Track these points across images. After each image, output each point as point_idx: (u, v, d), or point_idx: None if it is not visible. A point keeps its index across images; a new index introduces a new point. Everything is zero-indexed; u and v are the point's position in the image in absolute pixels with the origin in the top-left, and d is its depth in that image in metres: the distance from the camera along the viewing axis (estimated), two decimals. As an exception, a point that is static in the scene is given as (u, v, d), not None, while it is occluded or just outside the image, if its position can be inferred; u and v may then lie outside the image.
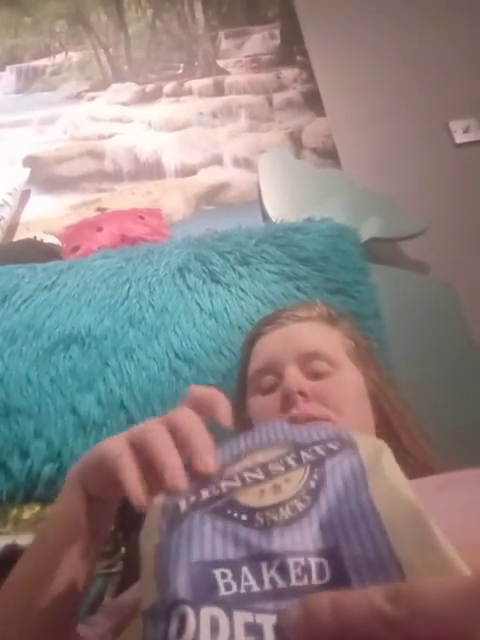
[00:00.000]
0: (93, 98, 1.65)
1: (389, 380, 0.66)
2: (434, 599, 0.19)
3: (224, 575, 0.24)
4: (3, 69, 1.75)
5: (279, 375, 0.58)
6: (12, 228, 1.37)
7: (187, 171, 1.47)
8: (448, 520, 0.37)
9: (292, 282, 0.93)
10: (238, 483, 0.29)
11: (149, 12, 1.78)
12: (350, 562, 0.24)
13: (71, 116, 1.62)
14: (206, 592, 0.23)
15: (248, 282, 0.93)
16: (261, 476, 0.30)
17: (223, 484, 0.29)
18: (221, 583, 0.23)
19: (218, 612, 0.22)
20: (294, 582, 0.23)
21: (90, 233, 1.20)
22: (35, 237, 1.26)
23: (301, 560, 0.24)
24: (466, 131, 1.42)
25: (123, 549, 0.75)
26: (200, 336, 0.87)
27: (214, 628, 0.21)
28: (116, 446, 0.35)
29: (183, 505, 0.28)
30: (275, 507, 0.27)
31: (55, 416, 0.81)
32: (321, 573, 0.24)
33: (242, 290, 0.92)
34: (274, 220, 1.16)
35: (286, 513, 0.27)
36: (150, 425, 0.35)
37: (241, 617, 0.22)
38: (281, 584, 0.23)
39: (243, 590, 0.23)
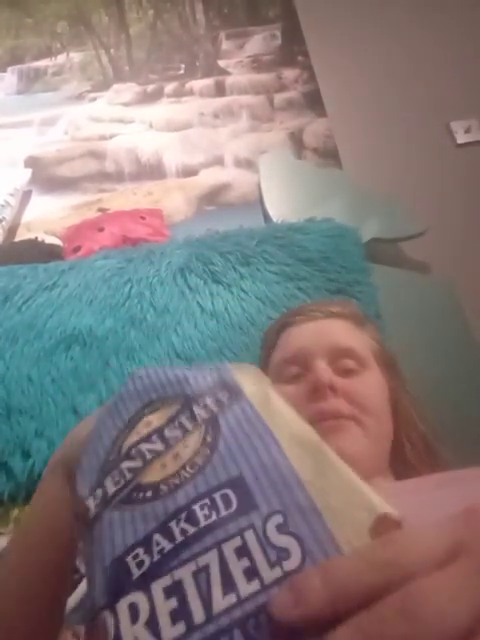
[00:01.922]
0: (94, 99, 1.65)
1: (407, 389, 0.65)
2: (419, 540, 0.21)
3: (136, 556, 0.24)
4: (4, 70, 1.76)
5: (306, 367, 0.58)
6: (13, 229, 1.37)
7: (188, 171, 1.47)
8: (444, 515, 0.37)
9: (293, 282, 0.93)
10: (139, 463, 0.29)
11: (150, 13, 1.78)
12: (254, 485, 0.25)
13: (72, 117, 1.62)
14: (120, 585, 0.24)
15: (249, 282, 0.93)
16: (160, 447, 0.30)
17: (125, 466, 0.30)
18: (133, 566, 0.24)
19: (135, 596, 0.23)
20: (203, 522, 0.24)
21: (91, 233, 1.20)
22: (36, 237, 1.26)
23: (206, 500, 0.25)
24: (467, 131, 1.41)
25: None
26: (201, 336, 0.87)
27: (133, 615, 0.22)
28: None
29: (92, 506, 0.29)
30: (177, 472, 0.28)
31: (56, 416, 0.81)
32: (227, 503, 0.25)
33: (243, 290, 0.92)
34: (275, 220, 1.16)
35: (188, 472, 0.27)
36: None
37: (159, 586, 0.23)
38: (191, 530, 0.24)
39: (156, 556, 0.24)
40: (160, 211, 1.33)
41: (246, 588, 0.21)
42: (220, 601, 0.21)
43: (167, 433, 0.31)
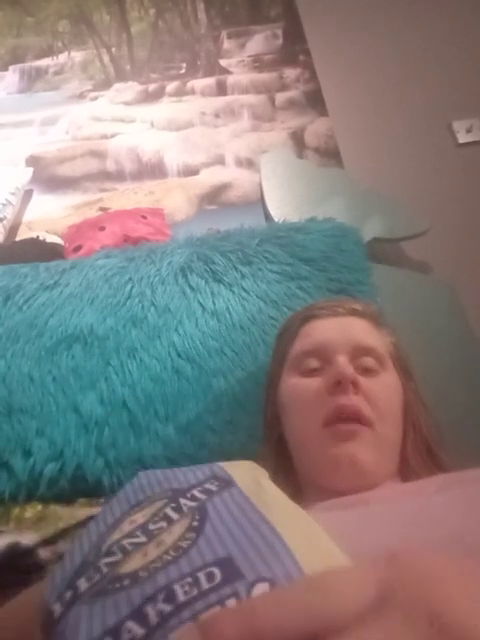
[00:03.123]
0: (95, 98, 1.65)
1: (419, 393, 0.65)
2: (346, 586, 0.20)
3: None
4: (6, 69, 1.76)
5: (327, 361, 0.58)
6: (15, 228, 1.37)
7: (189, 171, 1.47)
8: (446, 521, 0.37)
9: (294, 282, 0.93)
10: (119, 556, 0.28)
11: (152, 12, 1.78)
12: (242, 560, 0.24)
13: (73, 116, 1.62)
14: None
15: (250, 282, 0.93)
16: (143, 539, 0.29)
17: (103, 562, 0.28)
18: None
19: None
20: (182, 599, 0.22)
21: (92, 233, 1.20)
22: (38, 237, 1.26)
23: (189, 579, 0.24)
24: (469, 131, 1.41)
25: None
26: (202, 336, 0.87)
27: None
28: None
29: (57, 609, 0.27)
30: (159, 557, 0.26)
31: (57, 415, 0.81)
32: (211, 578, 0.23)
33: (244, 290, 0.92)
34: (276, 220, 1.16)
35: (171, 555, 0.26)
36: None
37: None
38: (168, 608, 0.22)
39: None
40: (161, 210, 1.33)
41: None
42: None
43: (151, 526, 0.30)
